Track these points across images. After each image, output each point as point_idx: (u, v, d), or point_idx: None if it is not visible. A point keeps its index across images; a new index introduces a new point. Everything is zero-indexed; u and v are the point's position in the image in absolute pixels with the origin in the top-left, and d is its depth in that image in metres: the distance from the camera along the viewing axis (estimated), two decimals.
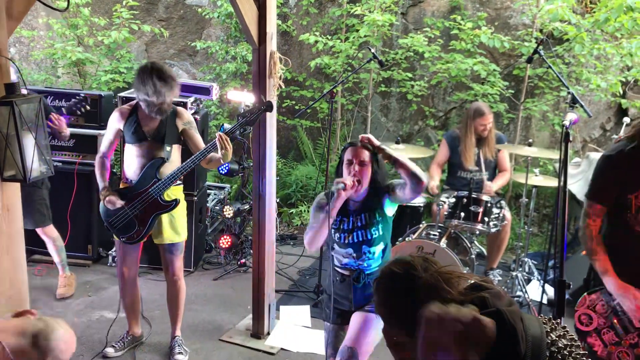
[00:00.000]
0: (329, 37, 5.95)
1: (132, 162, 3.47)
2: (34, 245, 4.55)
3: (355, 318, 2.90)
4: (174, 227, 3.53)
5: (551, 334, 1.25)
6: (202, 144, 3.49)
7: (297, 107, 6.43)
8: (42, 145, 1.89)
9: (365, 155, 2.81)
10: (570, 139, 2.15)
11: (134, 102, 3.51)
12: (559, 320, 1.35)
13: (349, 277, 2.93)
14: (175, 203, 3.45)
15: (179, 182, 3.52)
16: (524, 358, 1.15)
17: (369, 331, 2.82)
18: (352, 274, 2.91)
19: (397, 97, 6.53)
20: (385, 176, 2.91)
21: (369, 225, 2.86)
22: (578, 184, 4.89)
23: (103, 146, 3.56)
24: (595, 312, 2.49)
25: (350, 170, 2.80)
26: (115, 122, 3.51)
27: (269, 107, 3.41)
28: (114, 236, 3.58)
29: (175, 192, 3.54)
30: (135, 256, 3.63)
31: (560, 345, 1.24)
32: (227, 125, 4.37)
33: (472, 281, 1.29)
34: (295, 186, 6.32)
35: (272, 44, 3.64)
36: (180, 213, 3.56)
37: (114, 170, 3.66)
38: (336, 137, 6.48)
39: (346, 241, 2.88)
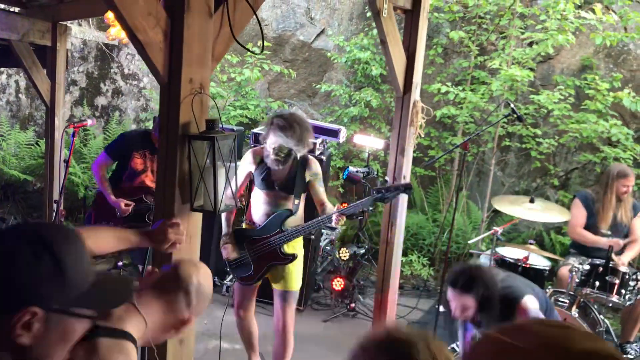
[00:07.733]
0: (458, 88, 5.93)
1: (259, 207, 3.44)
2: None
3: None
4: (290, 275, 3.43)
5: None
6: (323, 197, 3.42)
7: (414, 156, 6.39)
8: (232, 180, 1.97)
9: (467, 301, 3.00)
10: None
11: None
12: None
13: None
14: (292, 258, 3.37)
15: None
16: None
17: None
18: None
19: (516, 151, 6.35)
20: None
21: None
22: None
23: None
24: None
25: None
26: (248, 163, 3.44)
27: (408, 188, 3.29)
28: (233, 277, 3.57)
29: (297, 242, 3.46)
30: (252, 298, 3.60)
31: None
32: (352, 169, 4.41)
33: None
34: (405, 234, 6.22)
35: (416, 94, 3.67)
36: (297, 263, 3.45)
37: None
38: (450, 188, 6.37)
39: None
